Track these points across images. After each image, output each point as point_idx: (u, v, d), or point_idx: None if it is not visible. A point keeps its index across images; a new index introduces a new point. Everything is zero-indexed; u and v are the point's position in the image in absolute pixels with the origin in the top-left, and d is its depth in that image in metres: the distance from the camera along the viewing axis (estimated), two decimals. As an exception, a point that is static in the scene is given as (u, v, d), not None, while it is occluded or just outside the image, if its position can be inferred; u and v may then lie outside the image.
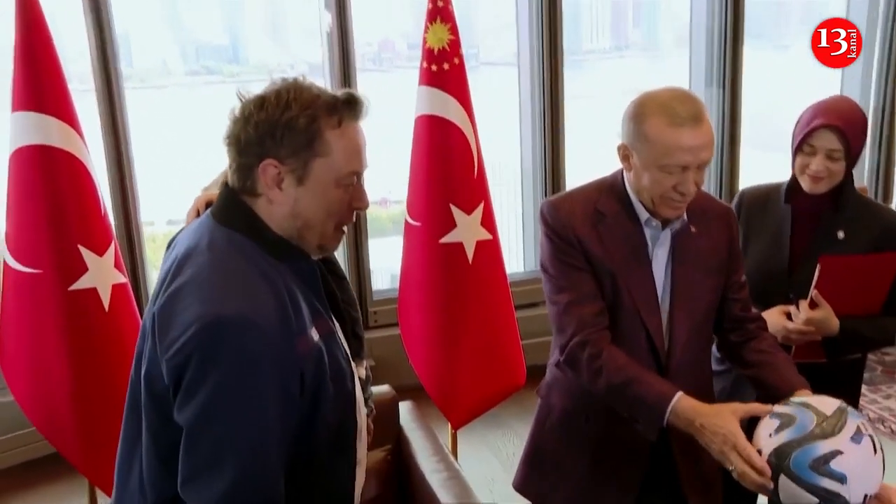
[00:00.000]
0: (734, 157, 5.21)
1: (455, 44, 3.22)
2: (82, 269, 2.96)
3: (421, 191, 3.32)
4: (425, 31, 3.23)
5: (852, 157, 2.17)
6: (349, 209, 1.52)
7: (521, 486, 2.25)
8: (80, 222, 2.96)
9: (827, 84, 5.13)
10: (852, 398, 2.37)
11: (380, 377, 3.59)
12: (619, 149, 1.88)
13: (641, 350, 1.92)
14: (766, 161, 5.88)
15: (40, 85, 2.85)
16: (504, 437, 3.94)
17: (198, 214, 1.68)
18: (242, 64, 5.01)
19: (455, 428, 3.50)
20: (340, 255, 4.63)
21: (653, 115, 1.78)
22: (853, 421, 1.62)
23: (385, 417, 2.70)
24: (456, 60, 3.23)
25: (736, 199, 2.42)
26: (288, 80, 1.47)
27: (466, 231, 3.29)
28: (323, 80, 4.45)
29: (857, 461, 1.58)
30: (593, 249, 1.91)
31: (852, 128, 2.14)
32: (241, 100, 1.47)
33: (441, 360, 3.40)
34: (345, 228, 1.55)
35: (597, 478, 2.04)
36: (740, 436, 1.69)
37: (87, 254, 2.96)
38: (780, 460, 1.60)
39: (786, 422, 1.63)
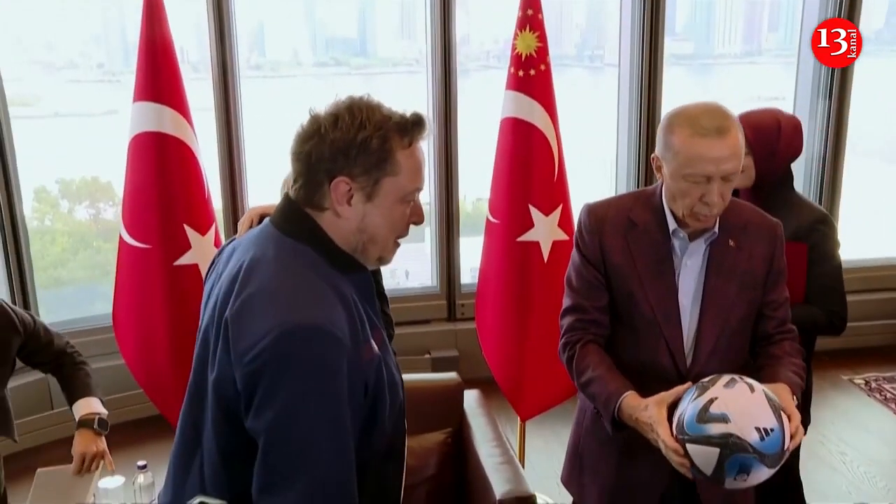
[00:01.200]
0: (836, 168, 5.09)
1: (542, 51, 3.34)
2: (186, 246, 3.28)
3: (502, 190, 3.46)
4: (514, 38, 3.36)
5: (757, 154, 2.44)
6: (407, 224, 1.57)
7: (566, 480, 2.33)
8: (186, 204, 3.27)
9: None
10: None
11: (463, 368, 3.76)
12: (652, 160, 1.97)
13: (662, 357, 1.98)
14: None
15: (159, 78, 3.17)
16: (575, 432, 4.02)
17: (251, 226, 1.71)
18: (370, 57, 5.19)
19: (523, 420, 3.63)
20: (432, 250, 4.82)
21: (679, 127, 1.85)
22: (727, 376, 1.76)
23: (450, 402, 2.87)
24: (542, 67, 3.34)
25: None
26: (356, 99, 1.50)
27: (544, 231, 3.41)
28: (426, 76, 4.64)
29: (732, 399, 1.70)
30: (615, 259, 2.00)
31: (752, 128, 2.38)
32: (313, 119, 1.50)
33: (512, 353, 3.54)
34: (400, 241, 1.60)
35: (626, 479, 2.12)
36: (660, 422, 1.79)
37: (191, 233, 3.27)
38: (679, 432, 1.73)
39: (677, 402, 1.77)
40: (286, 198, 1.56)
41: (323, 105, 1.52)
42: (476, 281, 4.77)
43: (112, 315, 3.42)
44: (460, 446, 2.82)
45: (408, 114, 1.51)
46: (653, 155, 1.96)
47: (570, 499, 2.33)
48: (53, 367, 2.61)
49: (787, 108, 5.28)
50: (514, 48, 3.38)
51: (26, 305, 4.06)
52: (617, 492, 2.13)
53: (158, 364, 3.35)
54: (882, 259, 5.24)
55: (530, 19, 3.33)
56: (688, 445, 1.72)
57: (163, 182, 3.22)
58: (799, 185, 5.20)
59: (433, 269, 4.90)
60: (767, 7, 5.69)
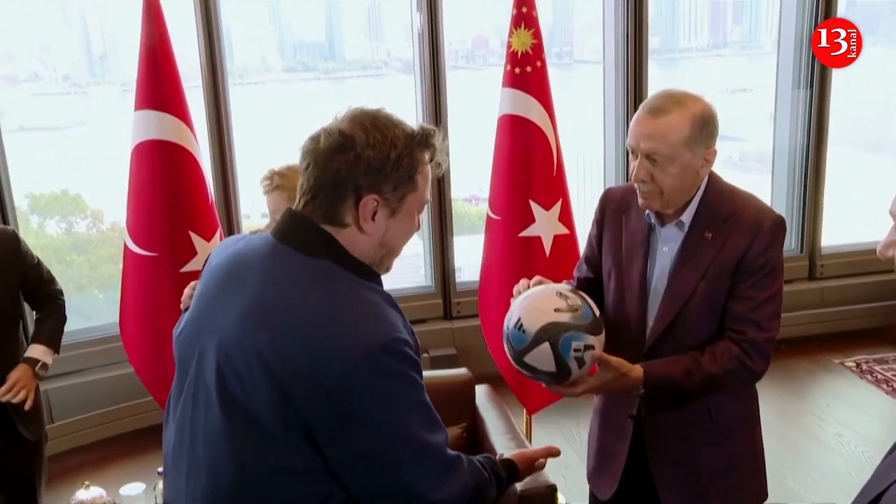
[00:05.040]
0: (819, 158, 5.18)
1: (538, 48, 3.39)
2: (192, 252, 3.29)
3: (502, 187, 3.51)
4: (509, 36, 3.41)
5: None
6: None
7: None
8: (191, 210, 3.29)
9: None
10: None
11: (461, 366, 3.79)
12: None
13: (627, 329, 2.08)
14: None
15: (160, 86, 3.18)
16: (578, 425, 4.06)
17: None
18: (338, 61, 5.17)
19: (529, 413, 3.67)
20: (426, 249, 4.85)
21: None
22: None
23: (462, 397, 2.91)
24: (538, 64, 3.40)
25: None
26: (378, 113, 1.50)
27: (545, 226, 3.47)
28: (414, 78, 4.67)
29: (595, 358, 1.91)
30: (609, 238, 2.15)
31: None
32: (340, 134, 1.46)
33: (518, 347, 3.56)
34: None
35: (599, 459, 2.27)
36: None
37: (196, 239, 3.29)
38: (552, 333, 1.85)
39: (572, 307, 1.88)
40: (293, 214, 1.51)
41: (329, 115, 1.51)
42: (465, 279, 4.88)
43: (119, 324, 3.41)
44: (475, 440, 2.85)
45: (419, 128, 1.52)
46: None
47: (578, 492, 2.41)
48: (42, 304, 2.72)
49: (761, 98, 5.42)
50: (509, 45, 3.43)
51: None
52: (594, 472, 2.30)
53: (169, 371, 3.33)
54: (864, 244, 5.34)
55: (525, 17, 3.38)
56: (546, 344, 1.85)
57: (167, 190, 3.23)
58: (782, 176, 5.35)
59: (427, 268, 4.93)
60: (731, 1, 5.78)
